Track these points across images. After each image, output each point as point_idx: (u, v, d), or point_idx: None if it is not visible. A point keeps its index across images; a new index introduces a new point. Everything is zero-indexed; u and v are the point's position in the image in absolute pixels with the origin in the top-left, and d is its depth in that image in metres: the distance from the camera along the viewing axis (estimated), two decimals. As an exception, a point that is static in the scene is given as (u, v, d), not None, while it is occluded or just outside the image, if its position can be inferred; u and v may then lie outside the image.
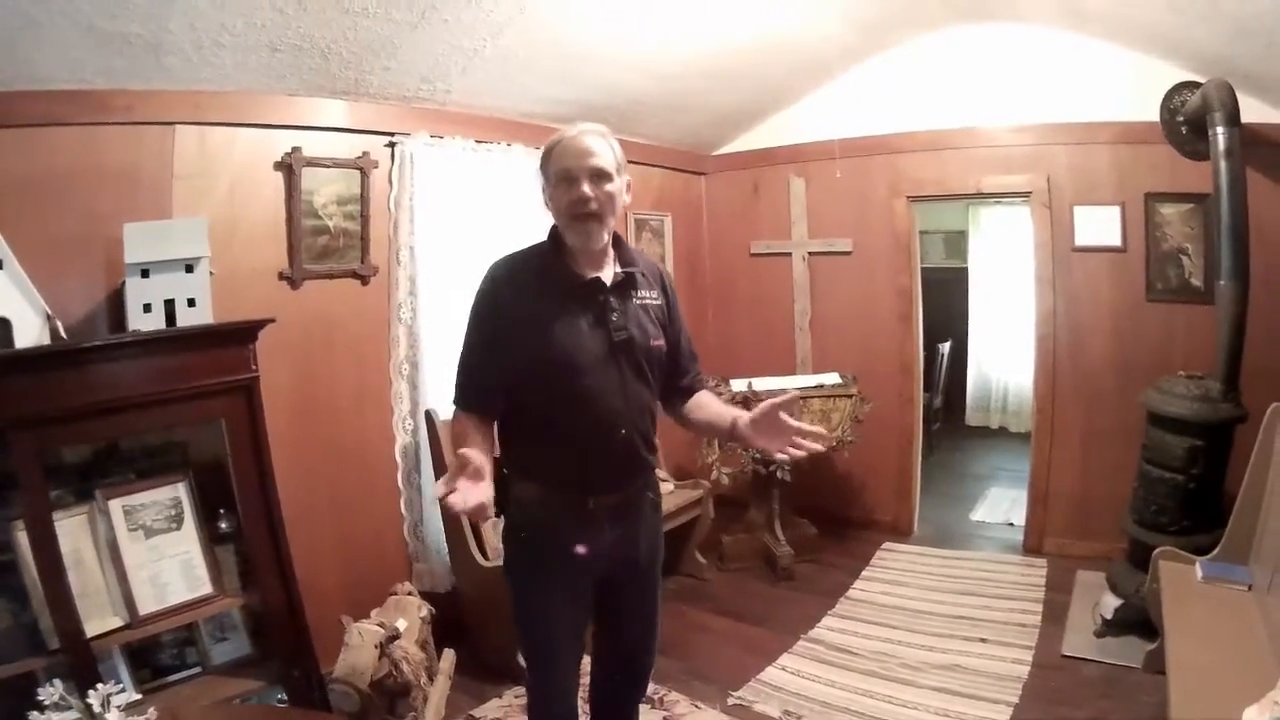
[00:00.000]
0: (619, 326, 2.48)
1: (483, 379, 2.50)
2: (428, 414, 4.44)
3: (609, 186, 2.44)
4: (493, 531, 4.40)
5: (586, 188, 2.39)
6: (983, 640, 4.53)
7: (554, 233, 2.56)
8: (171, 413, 3.06)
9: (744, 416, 2.49)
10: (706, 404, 2.76)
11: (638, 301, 2.56)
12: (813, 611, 5.04)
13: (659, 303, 2.64)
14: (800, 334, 6.79)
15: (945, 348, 8.76)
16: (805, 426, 2.35)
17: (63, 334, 3.00)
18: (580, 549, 2.50)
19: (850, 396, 5.66)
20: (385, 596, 3.87)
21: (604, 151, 2.43)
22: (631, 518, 2.62)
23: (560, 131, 2.49)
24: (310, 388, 4.14)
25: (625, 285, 2.55)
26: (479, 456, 2.08)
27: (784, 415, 2.35)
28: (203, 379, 3.08)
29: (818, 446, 2.34)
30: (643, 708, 3.21)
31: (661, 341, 2.59)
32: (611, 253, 2.58)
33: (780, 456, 2.41)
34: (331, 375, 4.25)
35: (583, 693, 2.98)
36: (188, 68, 3.46)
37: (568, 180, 2.41)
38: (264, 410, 3.27)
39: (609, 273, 2.54)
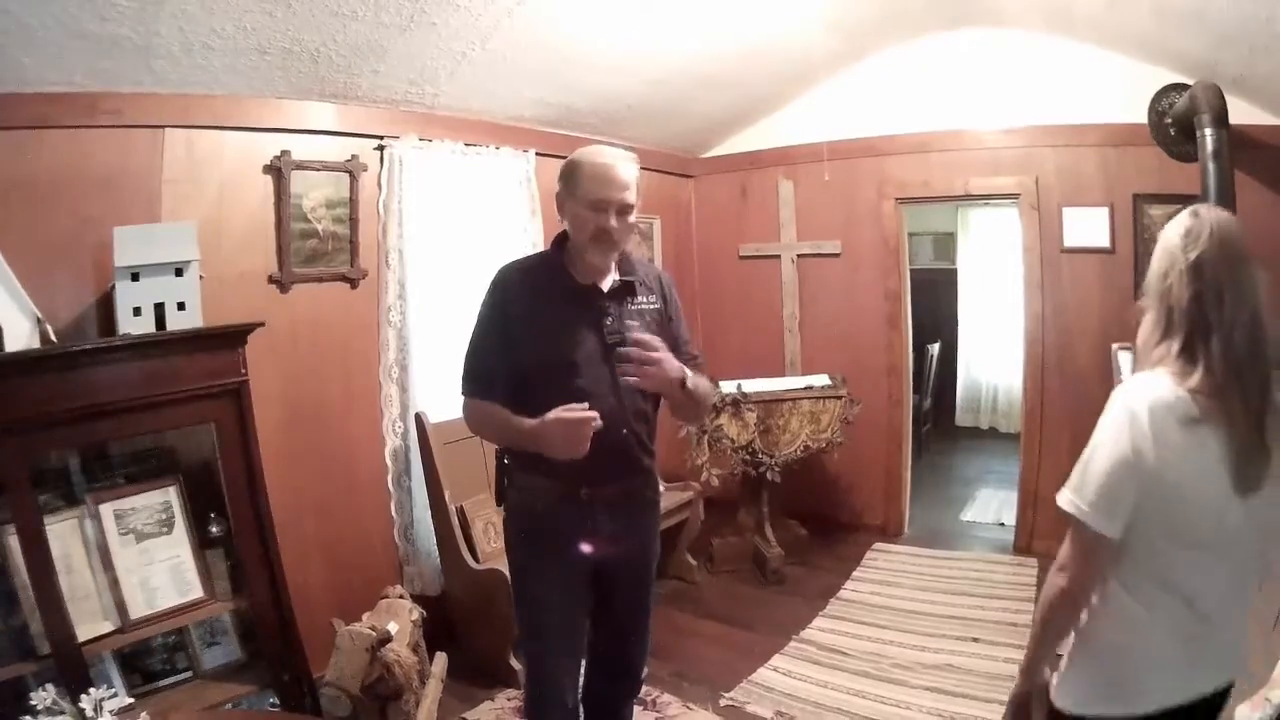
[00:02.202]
0: (613, 331, 2.58)
1: (487, 372, 2.62)
2: (418, 417, 4.42)
3: (630, 218, 2.56)
4: (483, 534, 4.40)
5: (614, 221, 2.50)
6: (974, 640, 4.54)
7: (558, 240, 2.68)
8: (161, 416, 3.06)
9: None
10: None
11: (634, 307, 2.66)
12: (804, 613, 5.04)
13: (656, 307, 2.73)
14: (789, 336, 6.80)
15: (935, 349, 8.78)
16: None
17: (53, 337, 3.00)
18: (585, 547, 2.61)
19: (839, 398, 5.66)
20: (376, 600, 3.87)
21: (633, 183, 2.56)
22: (627, 512, 2.72)
23: (593, 149, 2.62)
24: (300, 391, 4.13)
25: (622, 292, 2.66)
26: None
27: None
28: (192, 383, 3.09)
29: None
30: (635, 709, 3.22)
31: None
32: (612, 261, 2.67)
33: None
34: (321, 379, 4.24)
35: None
36: (177, 71, 3.45)
37: (598, 208, 2.50)
38: (254, 414, 3.27)
39: (608, 280, 2.65)
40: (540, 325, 2.55)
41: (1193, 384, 1.71)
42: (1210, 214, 1.82)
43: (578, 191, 2.54)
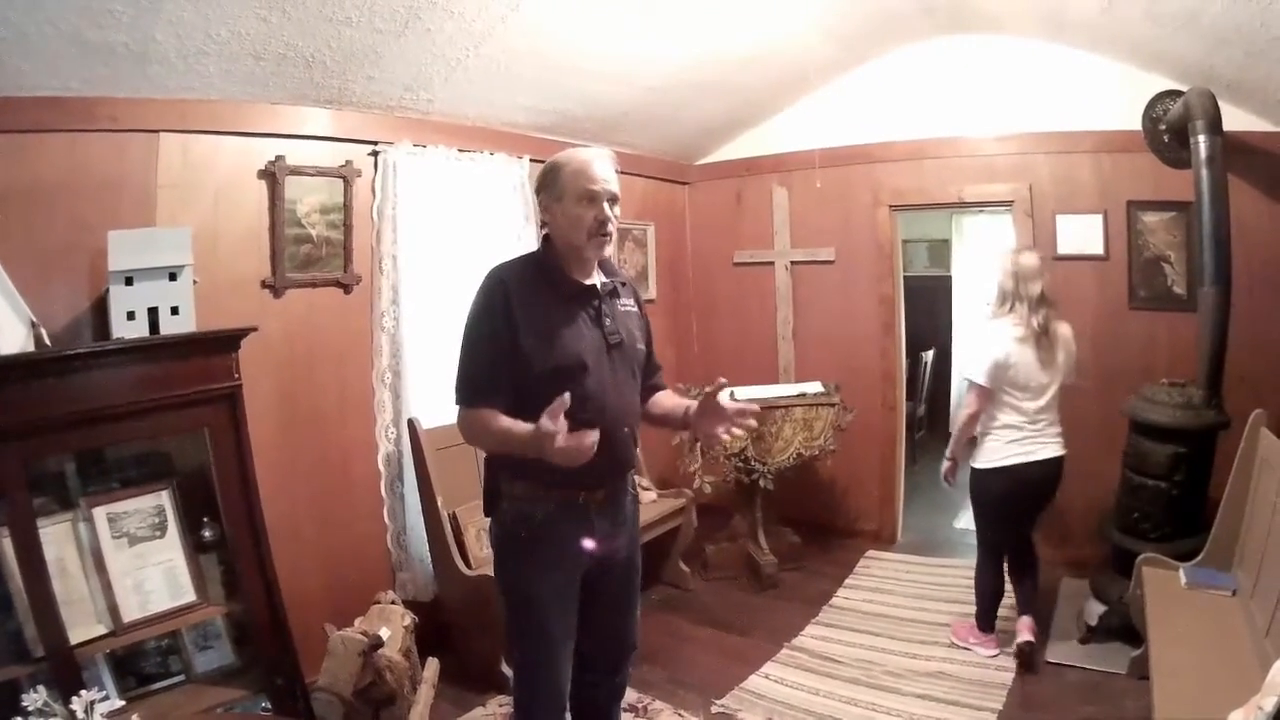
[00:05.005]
0: (613, 330, 2.64)
1: (489, 379, 2.55)
2: (410, 423, 4.42)
3: (617, 209, 2.61)
4: (475, 540, 4.40)
5: (609, 209, 2.56)
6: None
7: (546, 242, 2.70)
8: (155, 421, 3.06)
9: (692, 405, 2.77)
10: (664, 399, 2.97)
11: (622, 308, 2.73)
12: (796, 620, 5.04)
13: (635, 310, 2.82)
14: (783, 343, 6.81)
15: (929, 356, 8.78)
16: (741, 405, 2.65)
17: (47, 341, 3.00)
18: (588, 544, 2.63)
19: (833, 405, 5.65)
20: (369, 605, 3.87)
21: (616, 178, 2.62)
22: (616, 511, 2.75)
23: (574, 150, 2.67)
24: (293, 396, 4.13)
25: (613, 293, 2.72)
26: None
27: (722, 400, 2.63)
28: (186, 387, 3.08)
29: (751, 422, 2.71)
30: (626, 716, 3.22)
31: (643, 345, 2.80)
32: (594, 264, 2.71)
33: (724, 436, 2.66)
34: (314, 384, 4.25)
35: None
36: (172, 76, 3.46)
37: (591, 200, 2.54)
38: (247, 419, 3.27)
39: (597, 280, 2.68)
40: (547, 324, 2.53)
41: (1014, 321, 4.09)
42: (1024, 254, 4.20)
43: (567, 191, 2.55)
